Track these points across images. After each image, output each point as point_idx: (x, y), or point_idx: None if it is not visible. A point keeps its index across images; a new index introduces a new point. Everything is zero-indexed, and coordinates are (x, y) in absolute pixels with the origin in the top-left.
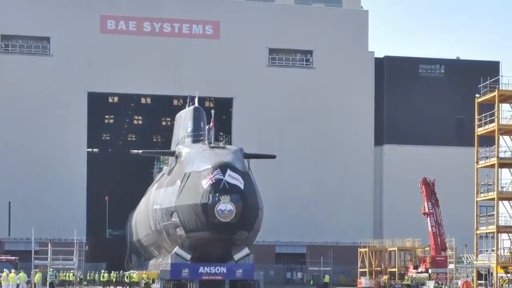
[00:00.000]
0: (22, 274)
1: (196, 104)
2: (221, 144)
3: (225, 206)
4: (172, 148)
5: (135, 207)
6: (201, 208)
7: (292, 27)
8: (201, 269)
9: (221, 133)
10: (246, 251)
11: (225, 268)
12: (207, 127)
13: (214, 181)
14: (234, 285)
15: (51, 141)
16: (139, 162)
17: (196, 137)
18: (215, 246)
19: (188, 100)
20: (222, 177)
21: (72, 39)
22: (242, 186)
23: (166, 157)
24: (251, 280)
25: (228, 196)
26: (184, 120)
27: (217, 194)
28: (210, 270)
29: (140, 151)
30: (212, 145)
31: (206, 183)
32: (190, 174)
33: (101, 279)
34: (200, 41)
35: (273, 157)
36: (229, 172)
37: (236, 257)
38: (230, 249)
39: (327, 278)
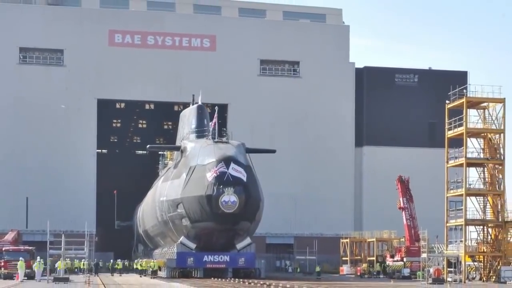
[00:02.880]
0: (38, 262)
1: (200, 102)
2: (224, 139)
3: (229, 198)
4: (177, 144)
5: (141, 200)
6: (206, 200)
7: (281, 40)
8: (205, 258)
9: (224, 129)
10: (248, 240)
11: (228, 256)
12: (210, 123)
13: (218, 173)
14: (237, 273)
15: (64, 142)
16: (143, 162)
17: (200, 132)
18: (219, 236)
19: (192, 99)
20: (226, 170)
21: (83, 51)
22: (245, 179)
23: (170, 154)
24: (253, 268)
25: (232, 188)
26: (188, 118)
27: (221, 186)
28: (214, 258)
29: (147, 146)
30: (216, 139)
31: (210, 176)
32: (195, 167)
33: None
34: (198, 53)
35: (273, 151)
36: (232, 165)
37: (239, 246)
38: (233, 239)
39: (317, 268)
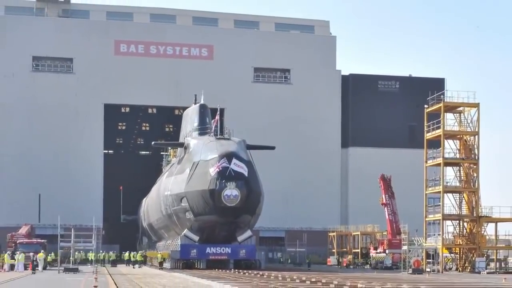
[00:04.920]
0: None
1: (202, 101)
2: (226, 135)
3: (231, 192)
4: (180, 141)
5: (146, 196)
6: (209, 194)
7: (273, 50)
8: (208, 250)
9: (226, 126)
10: (248, 233)
11: (230, 248)
12: (213, 120)
13: (220, 169)
14: (238, 264)
15: (73, 144)
16: (146, 161)
17: (202, 130)
18: (221, 229)
19: (194, 99)
20: (228, 165)
21: (91, 60)
22: (246, 174)
23: (173, 152)
24: (253, 260)
25: (234, 183)
26: (191, 116)
27: (223, 181)
28: (216, 250)
29: (153, 143)
30: (218, 136)
31: (213, 171)
32: (198, 163)
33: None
34: (197, 61)
35: (273, 148)
36: (234, 160)
37: (240, 238)
38: (235, 231)
39: (308, 258)
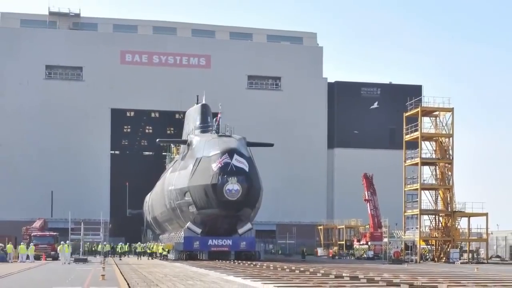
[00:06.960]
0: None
1: (203, 101)
2: (227, 133)
3: (233, 186)
4: (184, 139)
5: (150, 191)
6: (211, 188)
7: (265, 59)
8: (210, 242)
9: (227, 124)
10: (249, 226)
11: (231, 240)
12: (214, 119)
13: (222, 164)
14: (239, 255)
15: (83, 145)
16: (150, 161)
17: (204, 128)
18: (223, 222)
19: (196, 99)
20: (230, 161)
21: (99, 68)
22: (247, 169)
23: (176, 150)
24: (253, 251)
25: (235, 178)
26: (193, 115)
27: (225, 176)
28: (218, 242)
29: (157, 140)
30: (220, 134)
31: (215, 166)
32: (201, 159)
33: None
34: (196, 70)
35: (271, 145)
36: (235, 156)
37: (241, 231)
38: (236, 224)
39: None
